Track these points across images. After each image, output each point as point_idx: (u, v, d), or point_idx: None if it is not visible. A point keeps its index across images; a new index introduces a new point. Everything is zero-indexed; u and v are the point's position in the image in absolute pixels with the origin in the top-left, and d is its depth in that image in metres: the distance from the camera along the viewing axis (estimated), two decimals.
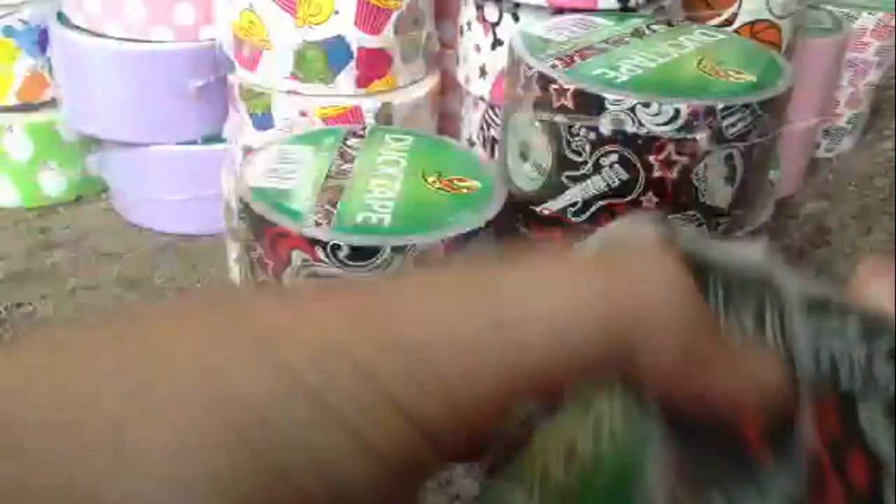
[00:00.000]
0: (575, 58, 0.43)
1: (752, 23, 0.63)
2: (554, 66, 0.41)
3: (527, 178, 0.43)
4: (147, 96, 0.67)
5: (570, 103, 0.40)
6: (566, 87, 0.40)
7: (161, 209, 0.71)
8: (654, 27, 0.49)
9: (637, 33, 0.48)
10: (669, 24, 0.50)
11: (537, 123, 0.41)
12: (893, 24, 0.82)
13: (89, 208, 0.76)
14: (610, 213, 0.40)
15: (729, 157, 0.40)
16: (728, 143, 0.39)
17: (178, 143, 0.70)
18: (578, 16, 0.51)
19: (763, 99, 0.40)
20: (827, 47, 0.74)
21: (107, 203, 0.76)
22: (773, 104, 0.40)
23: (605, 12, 0.53)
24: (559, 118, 0.40)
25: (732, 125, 0.39)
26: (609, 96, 0.39)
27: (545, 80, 0.40)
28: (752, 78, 0.42)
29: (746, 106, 0.39)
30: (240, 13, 0.59)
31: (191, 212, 0.70)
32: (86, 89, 0.68)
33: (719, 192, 0.40)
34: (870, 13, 0.81)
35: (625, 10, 0.55)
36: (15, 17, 0.70)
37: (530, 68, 0.41)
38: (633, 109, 0.38)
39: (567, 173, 0.41)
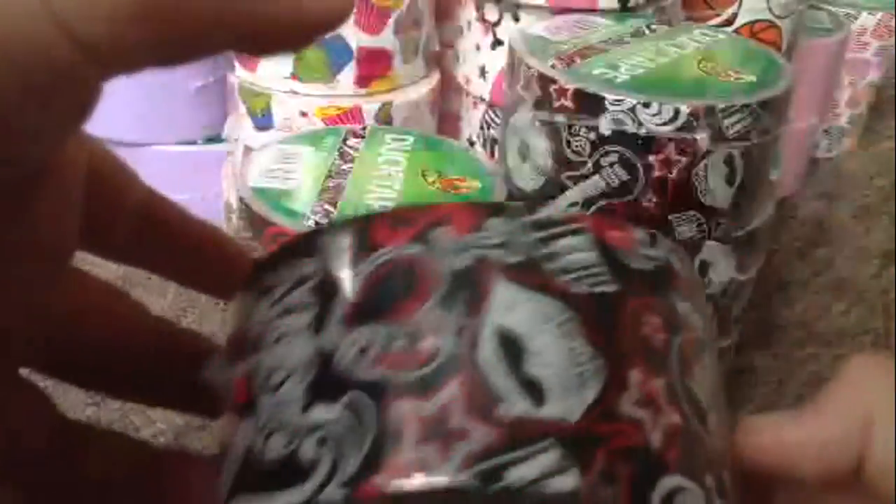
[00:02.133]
0: (575, 58, 0.43)
1: (752, 23, 0.63)
2: (554, 66, 0.41)
3: (527, 178, 0.43)
4: (146, 96, 0.67)
5: (570, 103, 0.40)
6: (566, 87, 0.40)
7: None
8: (654, 27, 0.49)
9: (637, 33, 0.48)
10: (669, 24, 0.50)
11: (537, 123, 0.41)
12: (893, 24, 0.81)
13: None
14: (610, 213, 0.40)
15: (729, 157, 0.40)
16: (728, 143, 0.39)
17: (178, 143, 0.70)
18: (578, 16, 0.51)
19: (763, 99, 0.40)
20: (827, 47, 0.74)
21: None
22: (773, 104, 0.40)
23: (605, 12, 0.53)
24: (559, 118, 0.40)
25: (732, 125, 0.39)
26: (609, 96, 0.39)
27: (545, 80, 0.40)
28: (752, 78, 0.42)
29: (746, 106, 0.39)
30: None
31: (191, 211, 0.70)
32: None
33: (719, 192, 0.40)
34: (870, 13, 0.81)
35: (625, 10, 0.55)
36: None
37: (530, 68, 0.41)
38: (633, 109, 0.38)
39: (567, 173, 0.41)
